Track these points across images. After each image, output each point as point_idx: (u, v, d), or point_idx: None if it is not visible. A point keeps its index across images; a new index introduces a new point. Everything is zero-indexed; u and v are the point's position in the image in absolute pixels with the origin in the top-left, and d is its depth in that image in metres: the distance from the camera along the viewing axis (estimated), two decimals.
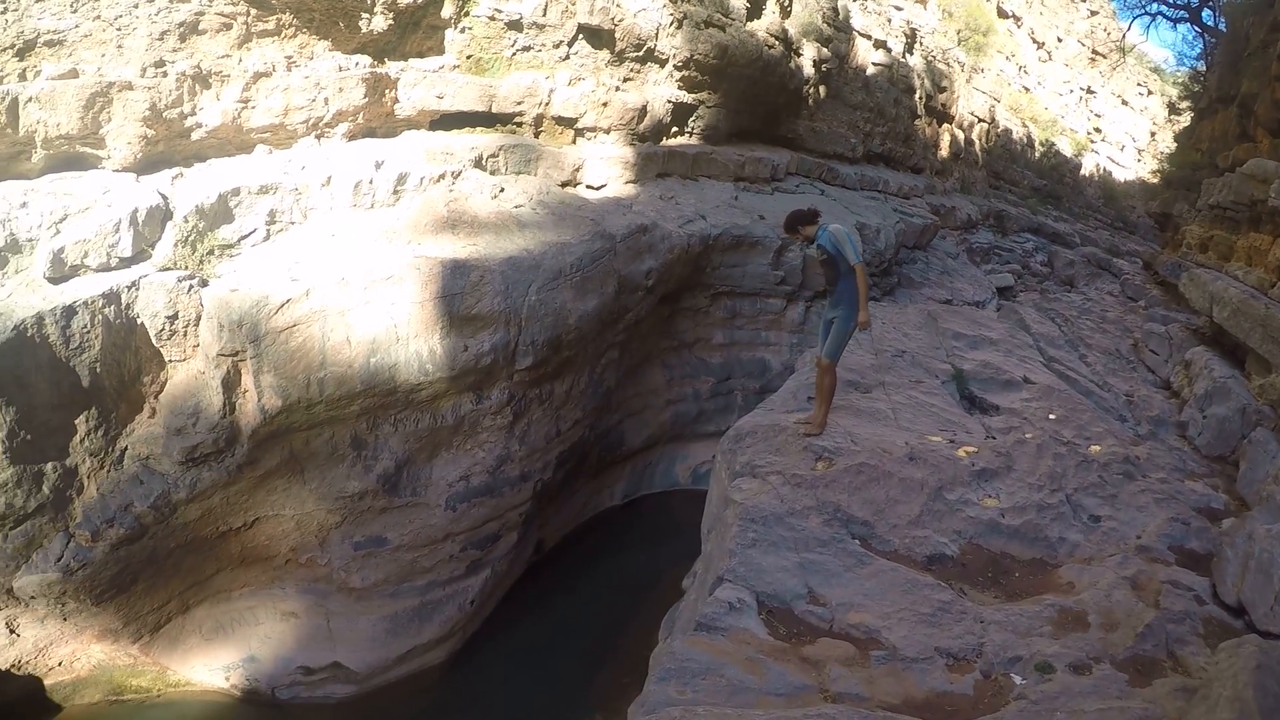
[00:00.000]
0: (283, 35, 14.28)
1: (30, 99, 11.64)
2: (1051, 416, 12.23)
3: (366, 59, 15.37)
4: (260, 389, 11.66)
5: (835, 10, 27.84)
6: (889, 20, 33.20)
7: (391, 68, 15.85)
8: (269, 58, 14.03)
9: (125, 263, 11.52)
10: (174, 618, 12.61)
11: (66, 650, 11.87)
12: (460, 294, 12.89)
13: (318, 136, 14.80)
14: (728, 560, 7.92)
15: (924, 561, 8.38)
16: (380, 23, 15.25)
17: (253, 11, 13.66)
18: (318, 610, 13.14)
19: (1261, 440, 11.20)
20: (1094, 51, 59.04)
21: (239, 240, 12.76)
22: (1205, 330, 16.12)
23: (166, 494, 11.36)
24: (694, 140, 22.59)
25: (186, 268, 11.87)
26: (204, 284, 11.81)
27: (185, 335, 11.67)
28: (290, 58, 14.31)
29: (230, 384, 11.63)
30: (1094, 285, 28.05)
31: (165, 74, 12.79)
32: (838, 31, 28.21)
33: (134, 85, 12.44)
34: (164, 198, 12.23)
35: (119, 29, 12.55)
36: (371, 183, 14.12)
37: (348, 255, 12.69)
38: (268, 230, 13.04)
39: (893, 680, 6.54)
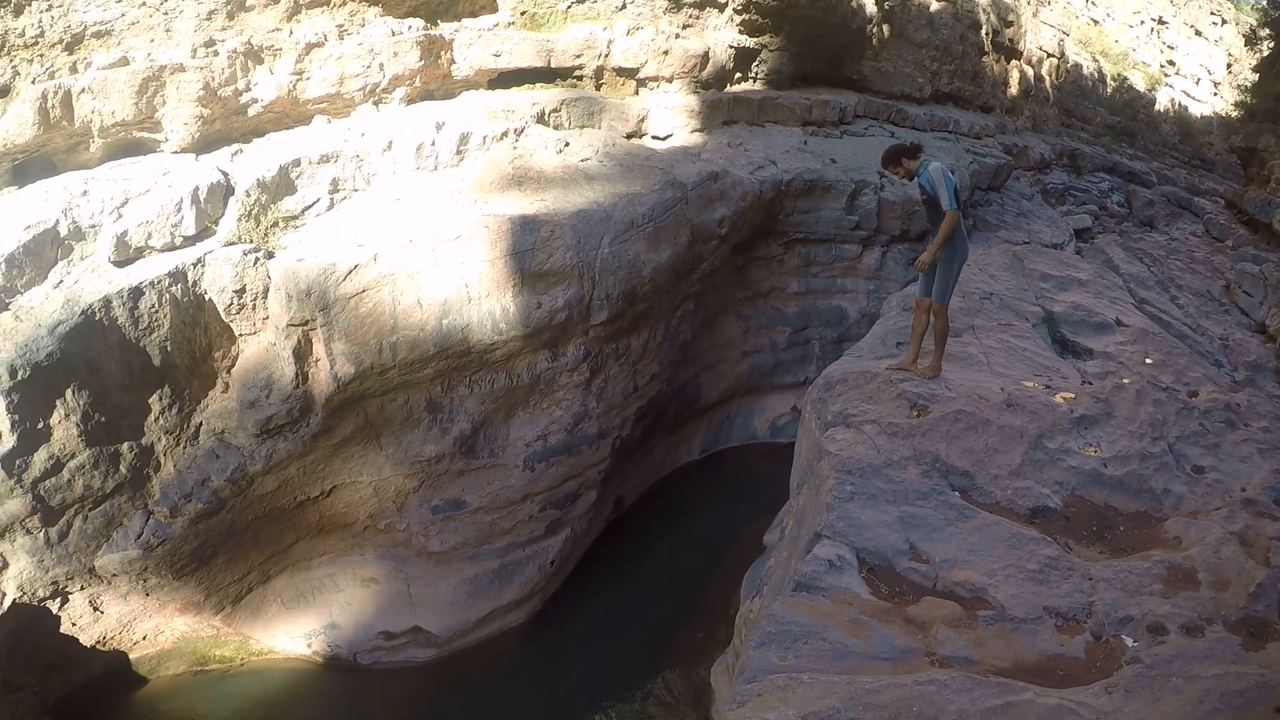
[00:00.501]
0: (332, 4, 13.92)
1: (83, 90, 11.46)
2: (1148, 361, 11.98)
3: (419, 22, 14.96)
4: (332, 357, 11.40)
5: None
6: None
7: (445, 29, 15.44)
8: (320, 28, 13.69)
9: (189, 241, 11.33)
10: (255, 588, 12.49)
11: (150, 624, 11.78)
12: (531, 250, 12.52)
13: (375, 103, 14.46)
14: (825, 515, 7.61)
15: (1027, 514, 8.10)
16: None
17: None
18: (397, 575, 12.96)
19: None
20: None
21: (303, 211, 12.49)
22: None
23: (243, 467, 11.19)
24: (758, 86, 21.93)
25: (251, 241, 11.62)
26: (270, 256, 11.54)
27: (254, 308, 11.44)
28: (341, 26, 13.95)
29: (301, 354, 11.41)
30: (1175, 225, 26.98)
31: (216, 53, 12.52)
32: None
33: (186, 67, 12.19)
34: (224, 174, 11.98)
35: (165, 13, 12.31)
36: (434, 144, 13.75)
37: (414, 218, 12.34)
38: (331, 199, 12.74)
39: (1002, 642, 6.35)
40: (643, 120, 17.76)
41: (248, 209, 11.78)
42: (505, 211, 12.76)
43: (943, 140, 27.44)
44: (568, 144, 15.21)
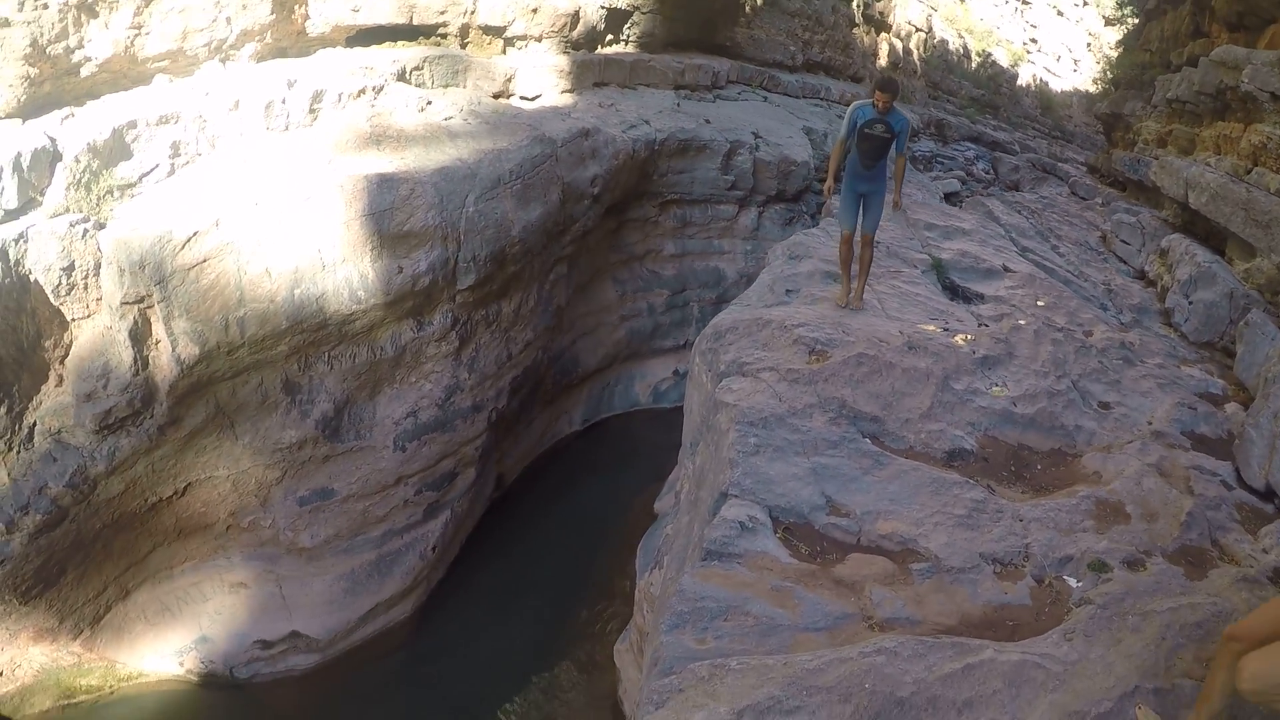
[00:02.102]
0: None
1: None
2: (1040, 303, 11.85)
3: None
4: (173, 337, 10.01)
5: None
6: None
7: None
8: None
9: (11, 215, 9.72)
10: (114, 606, 10.98)
11: (3, 658, 10.25)
12: (389, 210, 11.30)
13: (222, 61, 12.98)
14: (729, 472, 6.76)
15: (944, 458, 7.52)
16: None
17: None
18: (268, 577, 11.63)
19: (1259, 322, 10.47)
20: None
21: (140, 178, 10.95)
22: (1176, 220, 15.55)
23: (83, 469, 9.72)
24: (630, 48, 21.25)
25: (81, 212, 10.09)
26: (101, 227, 10.03)
27: (85, 288, 9.91)
28: None
29: (140, 336, 9.96)
30: (1040, 189, 27.14)
31: (46, 6, 10.88)
32: None
33: (11, 21, 10.53)
34: (51, 139, 10.32)
35: None
36: (285, 103, 12.40)
37: (261, 181, 11.03)
38: (171, 164, 11.25)
39: (942, 596, 5.79)
40: (510, 80, 16.69)
41: (77, 177, 10.23)
42: (361, 170, 11.55)
43: (815, 106, 27.56)
44: (430, 103, 13.99)
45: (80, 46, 11.35)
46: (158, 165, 11.10)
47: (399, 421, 12.06)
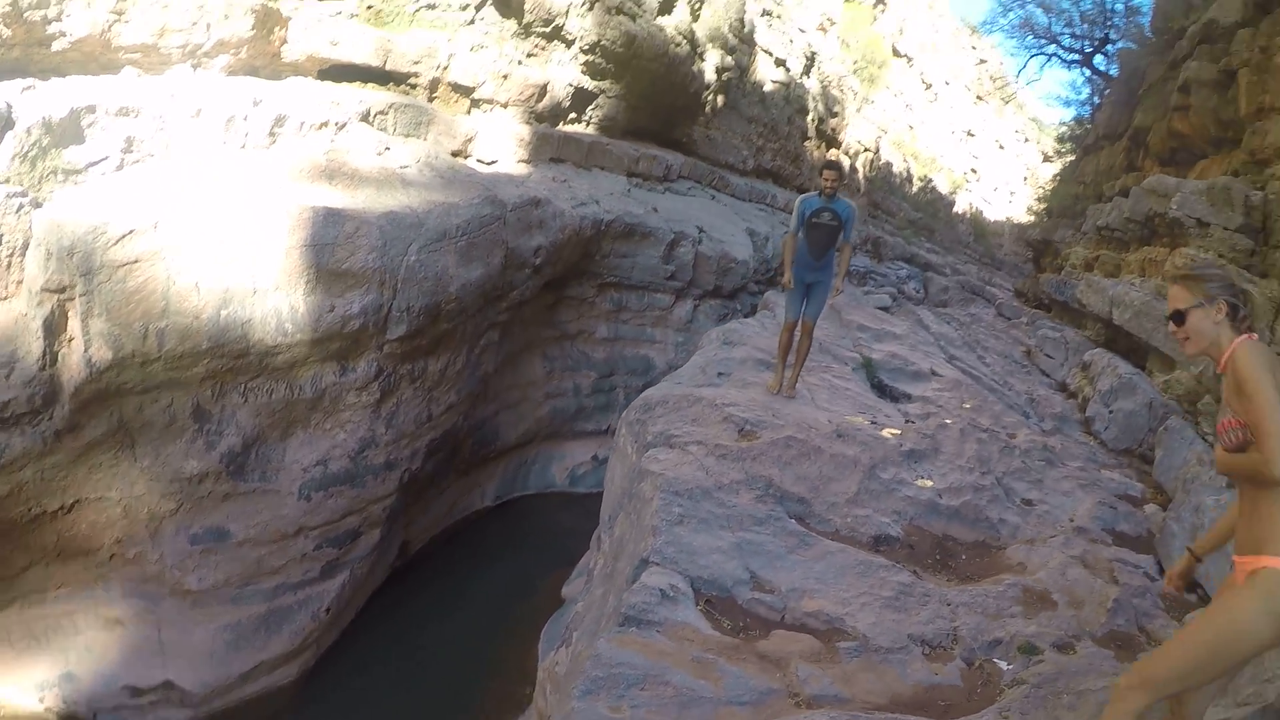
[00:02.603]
0: None
1: None
2: (966, 405, 12.23)
3: None
4: (88, 336, 9.35)
5: (742, 21, 27.17)
6: (791, 41, 32.64)
7: (285, 4, 13.64)
8: None
9: None
10: None
11: None
12: (331, 245, 10.85)
13: (194, 66, 12.49)
14: (652, 539, 6.61)
15: (870, 543, 7.60)
16: None
17: None
18: (147, 617, 10.73)
19: (1177, 428, 10.98)
20: (978, 96, 60.32)
21: (87, 166, 10.32)
22: (1098, 337, 16.39)
23: None
24: (590, 129, 21.17)
25: (21, 186, 9.47)
26: (37, 205, 9.44)
27: (9, 266, 9.22)
28: None
29: (54, 328, 9.27)
30: (967, 309, 28.07)
31: None
32: (742, 43, 27.60)
33: None
34: (8, 105, 9.65)
35: None
36: (246, 120, 11.94)
37: (208, 192, 10.54)
38: (122, 158, 10.66)
39: (871, 675, 5.70)
40: (470, 140, 16.43)
41: (24, 148, 9.57)
42: (310, 201, 11.12)
43: (760, 210, 28.17)
44: (389, 148, 13.68)
45: (58, 19, 10.84)
46: (108, 157, 10.50)
47: (308, 469, 11.42)
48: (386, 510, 12.48)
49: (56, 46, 11.02)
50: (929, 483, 8.86)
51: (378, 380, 11.95)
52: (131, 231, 9.46)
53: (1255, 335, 3.69)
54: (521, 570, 14.50)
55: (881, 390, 12.47)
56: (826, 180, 9.68)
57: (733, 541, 6.82)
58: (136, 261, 9.48)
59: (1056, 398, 15.00)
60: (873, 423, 10.24)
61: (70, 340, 9.45)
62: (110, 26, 11.34)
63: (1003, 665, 5.95)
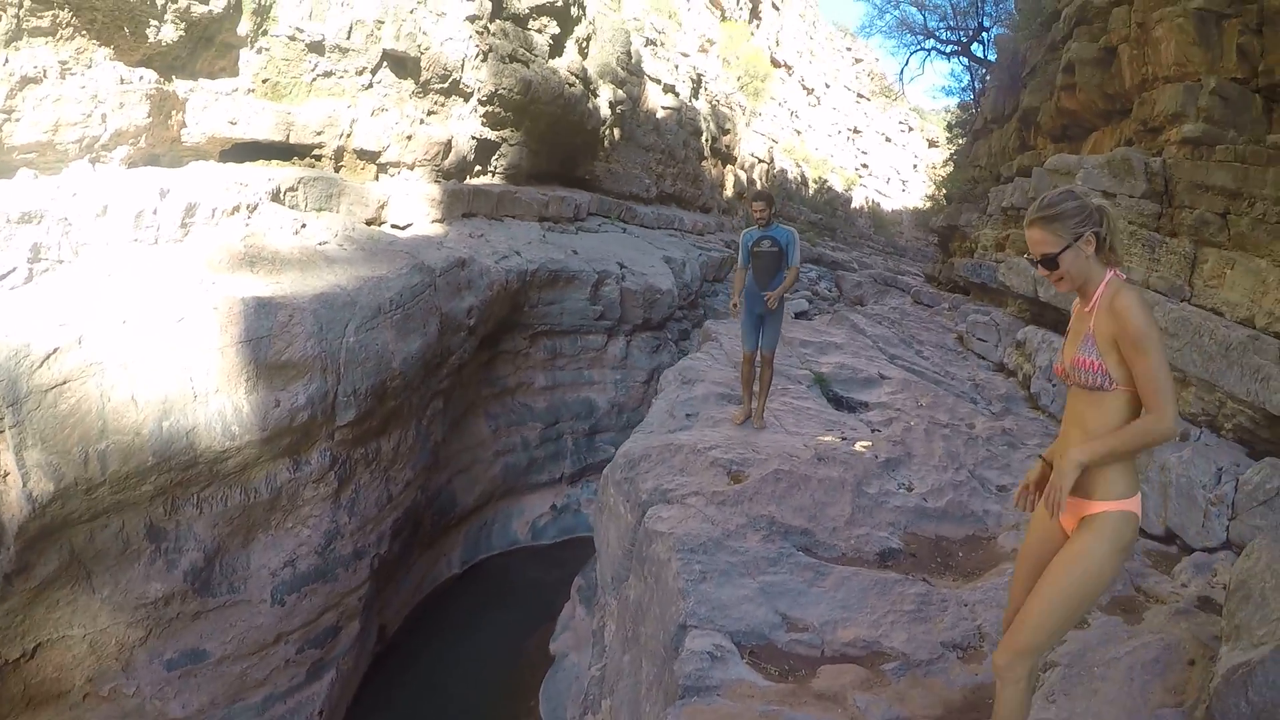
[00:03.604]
0: (59, 36, 11.17)
1: None
2: (922, 403, 12.24)
3: (152, 74, 12.40)
4: (25, 470, 8.49)
5: (629, 54, 27.27)
6: (676, 66, 32.83)
7: (180, 86, 13.01)
8: (40, 61, 10.96)
9: None
10: None
11: None
12: (268, 337, 10.23)
13: (93, 160, 11.73)
14: (682, 603, 6.43)
15: (876, 560, 7.61)
16: (170, 33, 12.41)
17: (26, 2, 10.63)
18: None
19: None
20: (859, 95, 61.24)
21: None
22: (1024, 314, 16.61)
23: None
24: (497, 180, 20.88)
25: None
26: None
27: None
28: (65, 64, 11.24)
29: None
30: (884, 301, 28.28)
31: None
32: (631, 75, 27.65)
33: None
34: None
35: None
36: (155, 213, 11.20)
37: (129, 296, 9.83)
38: (30, 269, 9.77)
39: (920, 690, 5.75)
40: (383, 207, 15.85)
41: None
42: (237, 293, 10.49)
43: (671, 236, 28.14)
44: (305, 225, 13.06)
45: None
46: (15, 268, 9.62)
47: (276, 572, 10.72)
48: (362, 600, 11.84)
49: None
50: (911, 489, 8.99)
51: (333, 469, 11.31)
52: (56, 350, 8.72)
53: (1120, 270, 3.67)
54: (502, 632, 13.96)
55: (838, 403, 12.36)
56: (756, 212, 9.75)
57: (755, 587, 6.71)
58: (66, 382, 8.73)
59: (998, 379, 15.16)
60: (843, 439, 10.16)
61: (5, 476, 8.54)
62: (1, 126, 10.62)
63: None
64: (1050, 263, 3.63)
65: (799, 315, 25.10)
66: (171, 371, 9.53)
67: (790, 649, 6.13)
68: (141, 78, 12.10)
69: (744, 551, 7.20)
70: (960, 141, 36.53)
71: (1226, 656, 4.82)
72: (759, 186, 41.39)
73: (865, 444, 9.95)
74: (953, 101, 41.31)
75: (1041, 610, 3.67)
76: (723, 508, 7.88)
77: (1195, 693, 5.07)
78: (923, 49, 36.19)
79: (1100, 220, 3.62)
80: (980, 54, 33.81)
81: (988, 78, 31.35)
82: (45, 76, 10.93)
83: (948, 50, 35.59)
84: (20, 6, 10.55)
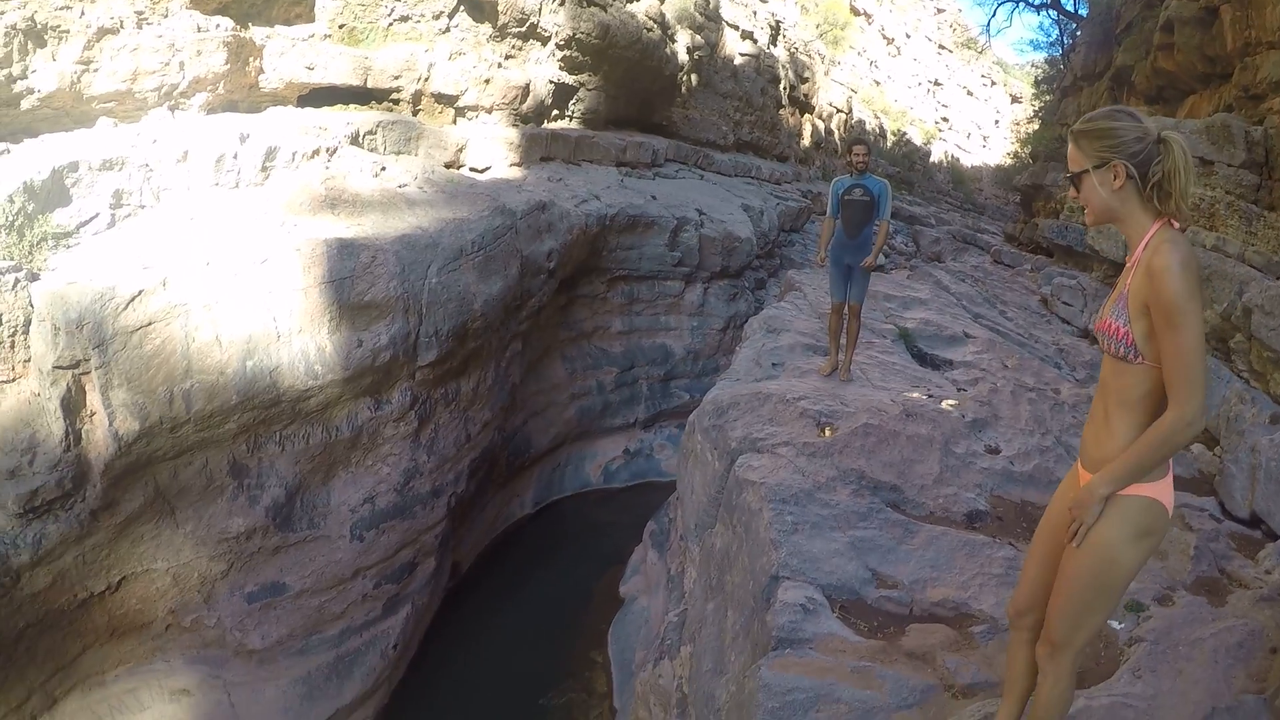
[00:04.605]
0: None
1: None
2: (1008, 365, 12.00)
3: (229, 21, 12.35)
4: (111, 409, 8.58)
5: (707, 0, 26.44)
6: (754, 13, 32.24)
7: (257, 33, 12.96)
8: (117, 11, 10.94)
9: None
10: (39, 717, 9.21)
11: None
12: (350, 278, 10.18)
13: (171, 108, 11.79)
14: (774, 553, 6.39)
15: (964, 520, 7.43)
16: None
17: None
18: (214, 683, 9.99)
19: (1211, 367, 10.63)
20: (940, 46, 59.99)
21: (78, 227, 9.59)
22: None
23: (5, 558, 8.09)
24: (574, 124, 20.65)
25: (13, 259, 8.71)
26: (34, 278, 8.63)
27: (13, 346, 8.40)
28: (141, 13, 11.23)
29: (73, 406, 8.47)
30: (962, 259, 27.61)
31: None
32: (709, 20, 27.15)
33: None
34: None
35: None
36: (236, 158, 11.18)
37: (212, 240, 9.82)
38: (113, 215, 9.91)
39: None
40: (461, 150, 15.74)
41: (10, 219, 8.87)
42: (319, 234, 10.44)
43: (748, 184, 27.70)
44: (384, 168, 13.00)
45: (24, 76, 10.24)
46: (98, 214, 9.78)
47: (355, 509, 10.76)
48: (438, 537, 11.85)
49: (25, 105, 10.41)
50: (998, 451, 8.77)
51: (414, 409, 11.31)
52: (141, 292, 8.74)
53: (1176, 221, 3.09)
54: (571, 573, 13.97)
55: (922, 359, 12.12)
56: (857, 155, 9.42)
57: (846, 541, 6.60)
58: (150, 324, 8.77)
59: (1083, 345, 14.76)
60: (930, 396, 9.94)
61: (92, 415, 8.67)
62: (79, 77, 10.70)
63: (1115, 625, 5.91)
64: (1074, 183, 3.24)
65: (876, 269, 24.83)
66: (255, 312, 9.53)
67: (880, 605, 6.07)
68: (218, 25, 12.12)
69: (834, 504, 7.12)
70: (1047, 98, 35.60)
71: None
72: (837, 137, 40.69)
73: (952, 402, 9.78)
74: (1040, 56, 40.31)
75: (1064, 604, 3.43)
76: (813, 459, 7.78)
77: (1277, 680, 4.98)
78: (1011, 0, 35.12)
79: (1142, 154, 3.04)
80: (1071, 8, 32.88)
81: (1079, 33, 30.35)
82: (123, 26, 10.98)
83: (1037, 2, 34.49)
84: None
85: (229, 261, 9.54)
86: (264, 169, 11.48)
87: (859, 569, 6.34)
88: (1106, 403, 3.29)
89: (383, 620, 11.15)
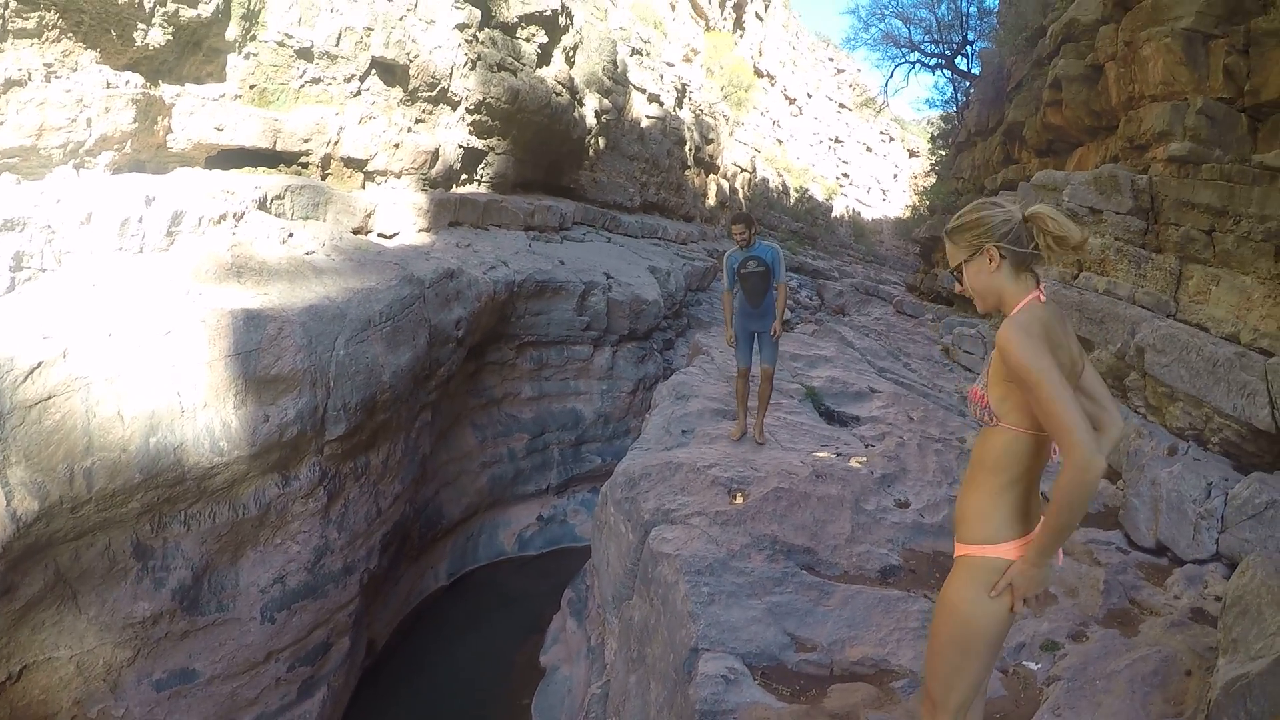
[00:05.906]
0: (44, 38, 10.87)
1: None
2: (914, 417, 12.38)
3: (139, 78, 12.14)
4: (8, 489, 8.20)
5: (615, 63, 27.29)
6: (661, 76, 32.85)
7: (167, 91, 12.76)
8: (25, 64, 10.68)
9: None
10: None
11: None
12: (257, 351, 10.01)
13: (76, 166, 11.44)
14: (692, 625, 6.54)
15: (878, 577, 7.73)
16: (158, 37, 12.17)
17: (12, 3, 10.35)
18: None
19: None
20: (840, 105, 61.49)
21: None
22: None
23: None
24: (483, 188, 20.85)
25: None
26: None
27: None
28: (50, 66, 10.96)
29: None
30: (866, 310, 28.38)
31: None
32: (617, 84, 27.67)
33: None
34: None
35: None
36: (141, 221, 10.92)
37: (115, 308, 9.58)
38: (13, 279, 9.49)
39: None
40: (370, 216, 15.67)
41: None
42: (225, 305, 10.26)
43: (655, 245, 28.13)
44: (292, 234, 12.84)
45: None
46: None
47: (265, 589, 10.47)
48: (352, 615, 11.60)
49: None
50: (907, 505, 9.08)
51: (323, 484, 11.10)
52: (40, 364, 8.46)
53: (1041, 292, 3.30)
54: (490, 644, 13.76)
55: (830, 417, 12.34)
56: (736, 235, 9.74)
57: (763, 608, 6.78)
58: (50, 397, 8.49)
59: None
60: (838, 454, 10.18)
61: None
62: None
63: (1032, 666, 6.20)
64: (959, 276, 3.43)
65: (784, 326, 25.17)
66: (159, 386, 9.29)
67: (800, 669, 6.19)
68: (128, 82, 11.88)
69: (749, 572, 7.27)
70: (943, 153, 36.90)
71: (1224, 669, 4.93)
72: (741, 196, 41.39)
73: (860, 460, 10.01)
74: (936, 113, 41.75)
75: (934, 666, 3.50)
76: (726, 527, 7.91)
77: (1194, 703, 5.16)
78: (907, 62, 36.39)
79: (1010, 234, 3.25)
80: (965, 67, 34.12)
81: (972, 90, 31.56)
82: (30, 79, 10.67)
83: (932, 63, 35.79)
84: (6, 7, 10.29)
85: (132, 332, 9.31)
86: (169, 234, 11.25)
87: (777, 634, 6.47)
88: (971, 465, 3.46)
89: (298, 704, 10.83)
